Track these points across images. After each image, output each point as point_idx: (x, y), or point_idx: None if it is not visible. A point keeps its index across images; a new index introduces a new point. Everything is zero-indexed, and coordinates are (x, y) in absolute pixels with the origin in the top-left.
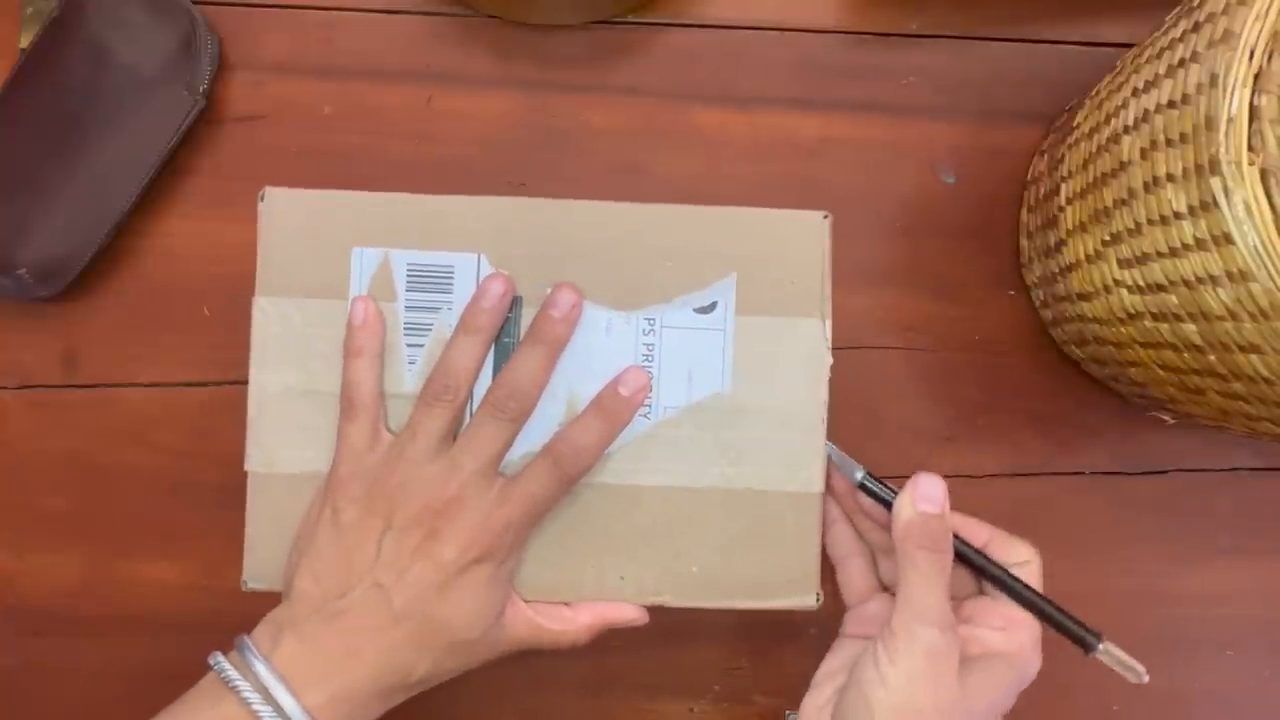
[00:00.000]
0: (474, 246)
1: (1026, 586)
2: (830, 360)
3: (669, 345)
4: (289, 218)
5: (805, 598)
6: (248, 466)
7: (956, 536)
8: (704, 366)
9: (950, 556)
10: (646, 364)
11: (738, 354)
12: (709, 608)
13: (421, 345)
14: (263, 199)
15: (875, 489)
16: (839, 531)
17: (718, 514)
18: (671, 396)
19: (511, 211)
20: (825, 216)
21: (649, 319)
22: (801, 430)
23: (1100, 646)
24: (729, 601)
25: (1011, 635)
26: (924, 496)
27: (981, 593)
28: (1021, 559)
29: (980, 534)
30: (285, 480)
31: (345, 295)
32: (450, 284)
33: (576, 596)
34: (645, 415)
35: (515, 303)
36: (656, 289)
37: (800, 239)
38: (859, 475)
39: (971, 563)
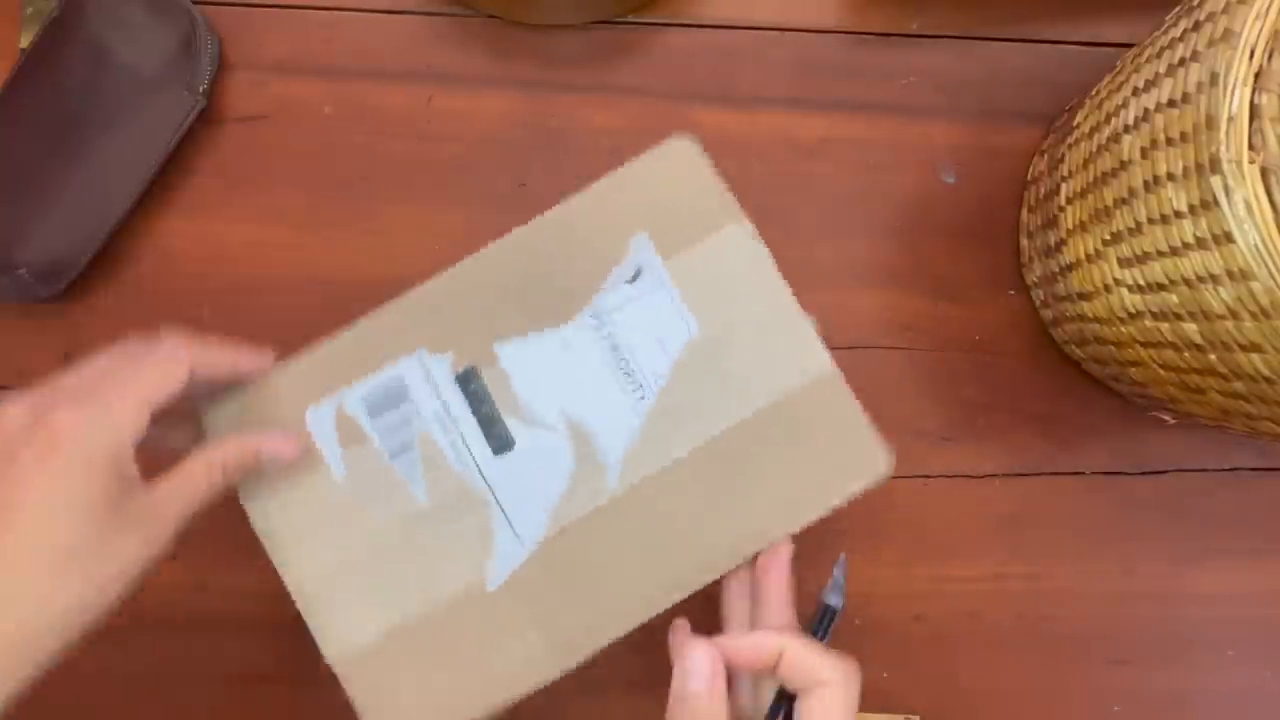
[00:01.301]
0: (411, 346)
1: None
2: (770, 257)
3: (625, 326)
4: (236, 421)
5: (876, 467)
6: (327, 659)
7: None
8: (666, 325)
9: None
10: (617, 356)
11: (686, 295)
12: (798, 530)
13: (415, 460)
14: (205, 416)
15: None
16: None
17: (754, 444)
18: (654, 365)
19: (426, 298)
20: (690, 139)
21: (592, 316)
22: (783, 327)
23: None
24: (810, 515)
25: None
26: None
27: None
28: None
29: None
30: (374, 650)
31: (322, 458)
32: (406, 392)
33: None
34: (642, 397)
35: (471, 373)
36: (582, 287)
37: (679, 166)
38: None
39: None
